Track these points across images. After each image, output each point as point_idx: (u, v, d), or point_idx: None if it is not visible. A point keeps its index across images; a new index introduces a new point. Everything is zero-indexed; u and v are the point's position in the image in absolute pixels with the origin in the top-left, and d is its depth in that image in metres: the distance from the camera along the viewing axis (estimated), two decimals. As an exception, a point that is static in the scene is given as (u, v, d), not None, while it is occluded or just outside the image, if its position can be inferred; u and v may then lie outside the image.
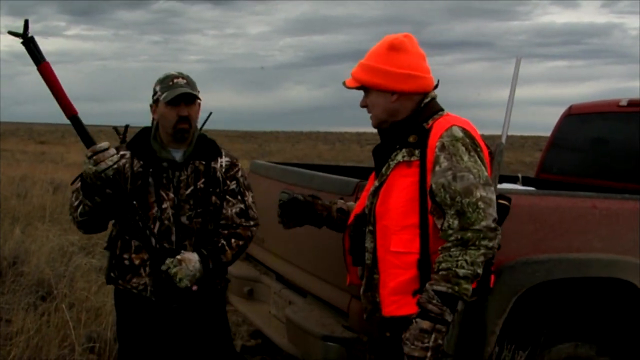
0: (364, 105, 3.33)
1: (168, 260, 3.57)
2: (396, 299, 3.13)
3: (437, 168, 3.03)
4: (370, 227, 3.26)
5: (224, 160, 3.88)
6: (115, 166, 3.45)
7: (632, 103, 5.78)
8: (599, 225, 4.13)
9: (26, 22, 3.34)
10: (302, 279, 4.76)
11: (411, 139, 3.17)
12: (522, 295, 3.96)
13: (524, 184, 5.96)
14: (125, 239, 3.78)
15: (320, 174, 4.83)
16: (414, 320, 2.95)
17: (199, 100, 3.78)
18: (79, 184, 3.61)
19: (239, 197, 3.85)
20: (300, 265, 4.73)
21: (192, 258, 3.62)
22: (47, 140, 53.30)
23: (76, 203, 3.65)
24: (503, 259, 3.90)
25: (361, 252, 3.31)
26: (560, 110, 6.64)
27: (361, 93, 3.32)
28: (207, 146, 3.86)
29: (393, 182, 3.18)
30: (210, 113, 4.35)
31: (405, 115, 3.24)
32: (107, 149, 3.44)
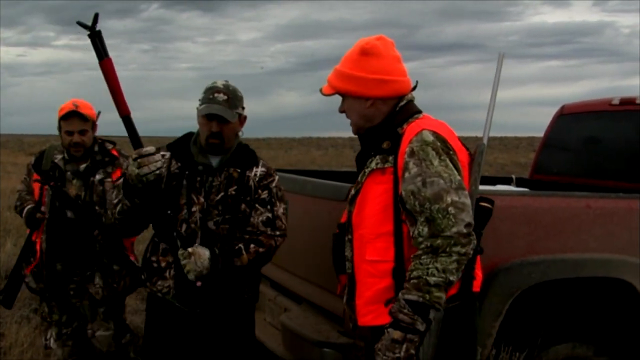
0: (341, 111, 3.28)
1: (180, 252, 3.59)
2: (373, 308, 3.08)
3: (406, 174, 2.95)
4: (349, 236, 3.22)
5: (259, 170, 3.87)
6: (158, 172, 3.53)
7: (624, 102, 5.78)
8: (593, 224, 4.12)
9: (96, 16, 3.39)
10: (297, 286, 4.74)
11: (385, 145, 3.10)
12: (518, 297, 3.95)
13: (518, 185, 5.96)
14: (154, 241, 3.85)
15: (314, 179, 4.81)
16: (385, 330, 2.90)
17: (240, 115, 3.84)
18: (121, 181, 3.73)
19: (268, 207, 3.81)
20: (295, 272, 4.71)
21: (202, 254, 3.61)
22: (37, 151, 53.22)
23: (115, 201, 3.74)
24: (498, 261, 3.90)
25: (343, 262, 3.27)
26: (553, 110, 6.63)
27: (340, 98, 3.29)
28: (244, 155, 3.88)
29: (368, 189, 3.13)
30: (99, 112, 4.98)
31: (380, 120, 3.18)
32: (152, 154, 3.53)
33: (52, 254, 4.86)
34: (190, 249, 3.59)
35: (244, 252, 3.72)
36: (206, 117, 3.73)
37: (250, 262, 3.75)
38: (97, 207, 4.82)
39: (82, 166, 4.89)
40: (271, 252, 3.83)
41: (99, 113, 5.05)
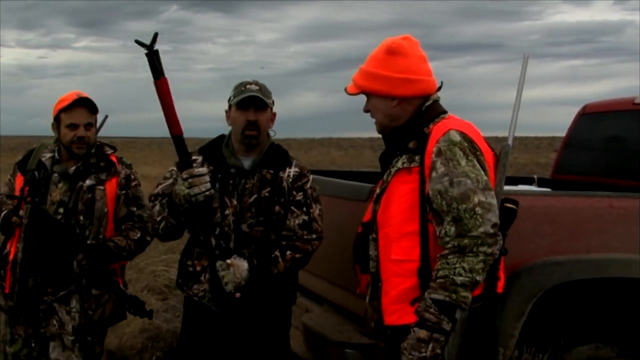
0: (366, 110, 3.30)
1: (218, 263, 3.58)
2: (398, 307, 3.09)
3: (434, 174, 2.97)
4: (374, 235, 3.22)
5: (292, 171, 3.84)
6: (207, 193, 3.52)
7: (647, 100, 5.74)
8: (616, 225, 4.10)
9: (155, 35, 3.42)
10: (318, 286, 4.74)
11: (411, 145, 3.12)
12: (541, 298, 3.93)
13: (539, 185, 5.93)
14: (189, 244, 3.86)
15: (335, 180, 4.82)
16: (411, 329, 2.91)
17: (271, 109, 3.81)
18: (160, 192, 3.78)
19: (304, 209, 3.79)
20: (316, 272, 4.71)
21: (241, 265, 3.60)
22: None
23: (159, 218, 3.73)
24: (520, 261, 3.88)
25: (367, 261, 3.28)
26: (574, 110, 6.59)
27: (365, 98, 3.29)
28: (277, 155, 3.85)
29: (394, 189, 3.14)
30: (107, 116, 4.50)
31: (406, 120, 3.19)
32: (203, 175, 3.52)
33: (28, 267, 4.13)
34: (228, 261, 3.58)
35: (280, 260, 3.71)
36: (241, 107, 3.71)
37: (287, 268, 3.74)
38: (81, 217, 4.17)
39: (72, 168, 4.24)
40: (308, 257, 3.80)
41: (105, 117, 4.56)
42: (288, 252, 3.72)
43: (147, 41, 3.39)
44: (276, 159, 3.82)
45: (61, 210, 4.16)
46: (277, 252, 3.72)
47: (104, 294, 4.22)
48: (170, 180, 3.83)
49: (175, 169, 3.84)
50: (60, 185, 4.20)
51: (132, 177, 4.40)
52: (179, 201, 3.55)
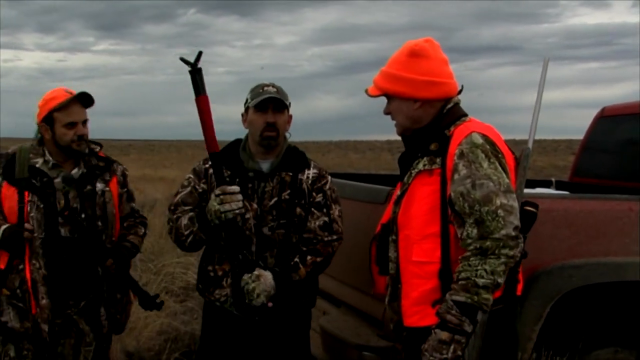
0: (387, 112, 3.30)
1: (246, 276, 3.56)
2: (418, 309, 3.09)
3: (456, 176, 2.98)
4: (394, 237, 3.23)
5: (311, 172, 3.83)
6: (238, 211, 3.52)
7: (666, 103, 5.71)
8: (635, 228, 4.08)
9: (199, 54, 3.49)
10: (336, 289, 4.74)
11: (432, 147, 3.12)
12: (559, 301, 3.92)
13: (557, 188, 5.91)
14: (208, 249, 3.85)
15: (353, 182, 4.82)
16: (432, 331, 2.92)
17: (288, 111, 3.81)
18: (179, 201, 3.76)
19: (324, 210, 3.78)
20: (334, 274, 4.72)
21: (267, 275, 3.59)
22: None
23: (187, 232, 3.71)
24: (539, 264, 3.88)
25: (386, 262, 3.29)
26: (592, 113, 6.58)
27: (385, 100, 3.30)
28: (295, 157, 3.85)
29: (414, 191, 3.15)
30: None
31: (427, 122, 3.20)
32: (236, 193, 3.53)
33: (54, 283, 3.96)
34: (256, 272, 3.57)
35: (300, 266, 3.70)
36: (260, 109, 3.70)
37: (308, 273, 3.73)
38: (99, 223, 4.05)
39: (75, 171, 4.05)
40: (329, 259, 3.79)
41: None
42: (309, 257, 3.71)
43: (192, 59, 3.47)
44: (294, 161, 3.82)
45: (81, 217, 3.98)
46: (297, 259, 3.71)
47: (124, 297, 4.18)
48: (189, 189, 3.82)
49: (192, 176, 3.84)
50: (65, 191, 3.99)
51: (125, 172, 4.33)
52: (210, 216, 3.56)
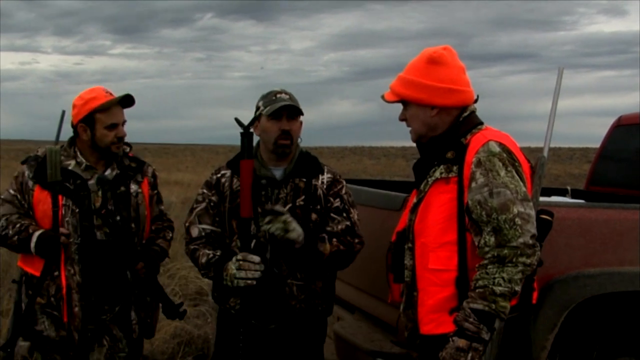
0: (402, 118, 3.31)
1: (286, 212, 3.53)
2: (434, 317, 3.10)
3: (473, 184, 2.99)
4: (410, 245, 3.24)
5: (325, 177, 3.81)
6: (250, 282, 3.48)
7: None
8: (651, 237, 4.06)
9: (254, 119, 3.63)
10: (350, 295, 4.75)
11: (449, 155, 3.14)
12: (574, 310, 3.91)
13: (573, 197, 5.89)
14: (224, 260, 3.77)
15: (368, 189, 4.82)
16: (450, 339, 2.92)
17: (301, 118, 3.79)
18: (200, 235, 3.76)
19: (344, 215, 3.76)
20: (348, 281, 4.72)
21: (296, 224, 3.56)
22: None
23: (202, 271, 3.74)
24: (553, 273, 3.86)
25: (402, 270, 3.30)
26: (609, 121, 6.56)
27: (401, 107, 3.31)
28: (308, 163, 3.83)
29: (431, 199, 3.16)
30: (64, 111, 4.15)
31: (443, 130, 3.21)
32: (256, 264, 3.48)
33: (89, 289, 3.90)
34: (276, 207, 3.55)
35: (327, 242, 3.64)
36: (274, 117, 3.68)
37: (331, 255, 3.64)
38: (133, 225, 4.00)
39: (108, 173, 3.99)
40: (351, 256, 3.75)
41: (63, 112, 4.16)
42: (334, 240, 3.67)
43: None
44: (308, 167, 3.80)
45: (117, 219, 3.92)
46: (324, 235, 3.67)
47: (153, 301, 4.12)
48: (204, 204, 3.81)
49: (205, 191, 3.83)
50: (100, 193, 3.91)
51: (155, 173, 4.28)
52: (225, 276, 3.55)
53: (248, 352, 3.64)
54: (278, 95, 3.73)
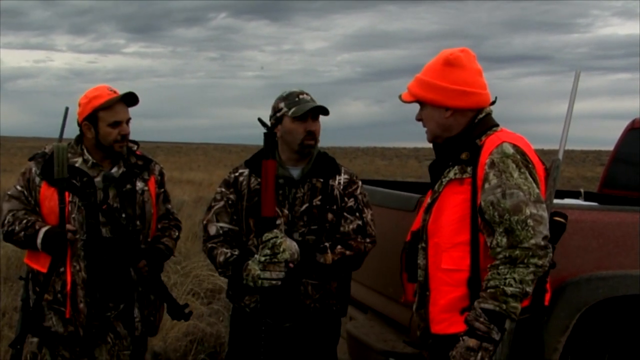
0: (419, 119, 3.35)
1: (274, 231, 3.52)
2: (446, 316, 3.13)
3: (486, 185, 3.01)
4: (423, 244, 3.27)
5: (342, 178, 3.84)
6: (275, 283, 3.50)
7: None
8: (664, 240, 4.06)
9: (277, 121, 3.74)
10: (362, 295, 4.76)
11: (463, 156, 3.16)
12: (586, 312, 3.92)
13: (586, 199, 5.89)
14: (240, 259, 3.78)
15: (382, 189, 4.84)
16: (461, 338, 2.95)
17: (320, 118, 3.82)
18: (218, 233, 3.77)
19: (357, 214, 3.78)
20: (361, 280, 4.74)
21: (291, 241, 3.58)
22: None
23: (220, 270, 3.75)
24: (566, 275, 3.87)
25: (415, 269, 3.32)
26: (622, 124, 6.55)
27: (418, 107, 3.33)
28: (325, 163, 3.85)
29: (445, 199, 3.18)
30: (67, 108, 4.08)
31: (458, 131, 3.23)
32: (283, 264, 3.50)
33: (94, 286, 3.93)
34: (281, 234, 3.54)
35: (329, 251, 3.66)
36: (300, 119, 3.69)
37: (335, 262, 3.68)
38: (138, 222, 4.01)
39: (115, 170, 4.00)
40: (360, 257, 3.76)
41: (66, 109, 4.08)
42: (338, 247, 3.69)
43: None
44: (325, 168, 3.82)
45: (121, 216, 3.94)
46: (327, 244, 3.69)
47: (157, 299, 4.13)
48: (222, 203, 3.82)
49: (223, 189, 3.84)
50: (104, 186, 3.93)
51: (163, 172, 4.29)
52: (245, 276, 3.55)
53: (269, 350, 3.66)
54: (301, 97, 3.76)
